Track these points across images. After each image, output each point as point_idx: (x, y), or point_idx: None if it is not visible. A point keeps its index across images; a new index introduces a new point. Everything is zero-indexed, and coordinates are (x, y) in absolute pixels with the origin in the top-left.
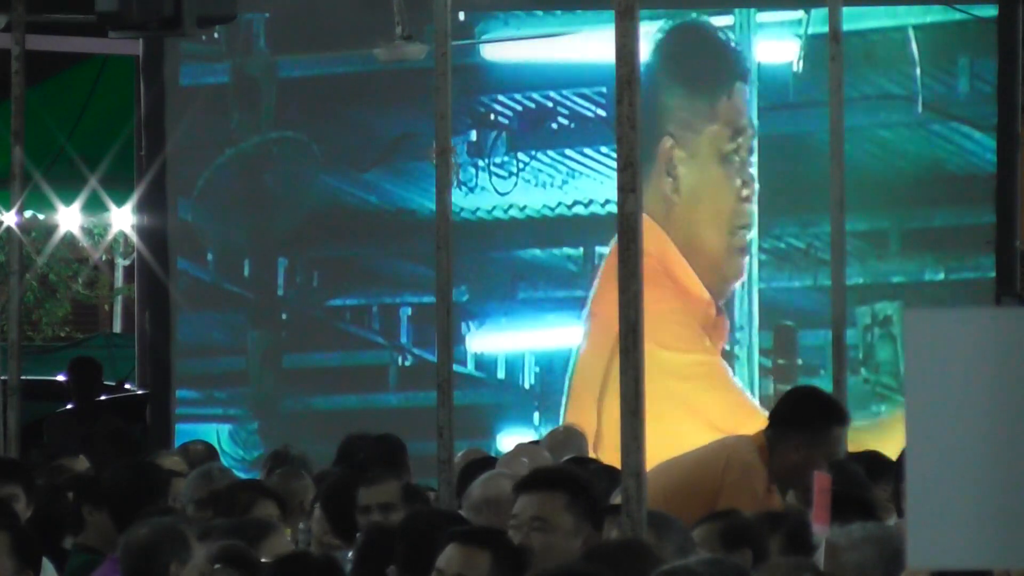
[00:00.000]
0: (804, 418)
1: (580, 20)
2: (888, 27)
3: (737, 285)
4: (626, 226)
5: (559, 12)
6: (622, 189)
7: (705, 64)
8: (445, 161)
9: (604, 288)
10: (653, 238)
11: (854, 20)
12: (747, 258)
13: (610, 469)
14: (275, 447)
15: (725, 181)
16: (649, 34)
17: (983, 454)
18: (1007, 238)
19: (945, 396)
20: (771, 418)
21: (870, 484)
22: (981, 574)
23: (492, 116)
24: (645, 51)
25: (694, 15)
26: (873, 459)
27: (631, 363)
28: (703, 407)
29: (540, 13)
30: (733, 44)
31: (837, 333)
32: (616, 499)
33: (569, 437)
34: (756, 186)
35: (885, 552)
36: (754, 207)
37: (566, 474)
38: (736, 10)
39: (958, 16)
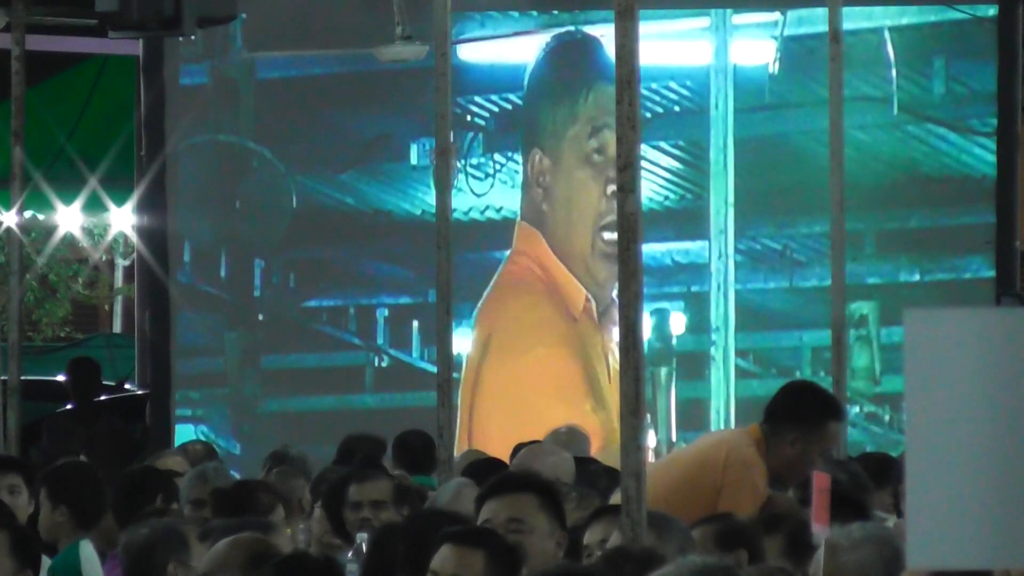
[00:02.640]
0: (800, 412)
1: (560, 22)
2: (863, 29)
3: (613, 293)
4: (626, 226)
5: (535, 13)
6: (621, 189)
7: (569, 69)
8: (445, 161)
9: (491, 295)
10: (530, 241)
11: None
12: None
13: (610, 470)
14: (250, 448)
15: (590, 182)
16: (534, 51)
17: (983, 454)
18: (1007, 238)
19: (945, 396)
20: (767, 412)
21: (871, 484)
22: (982, 574)
23: (468, 117)
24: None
25: (575, 27)
26: (881, 462)
27: (631, 363)
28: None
29: (516, 15)
30: (602, 46)
31: (837, 333)
32: (615, 499)
33: (572, 438)
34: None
35: (885, 552)
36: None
37: (533, 476)
38: (712, 12)
39: (933, 18)
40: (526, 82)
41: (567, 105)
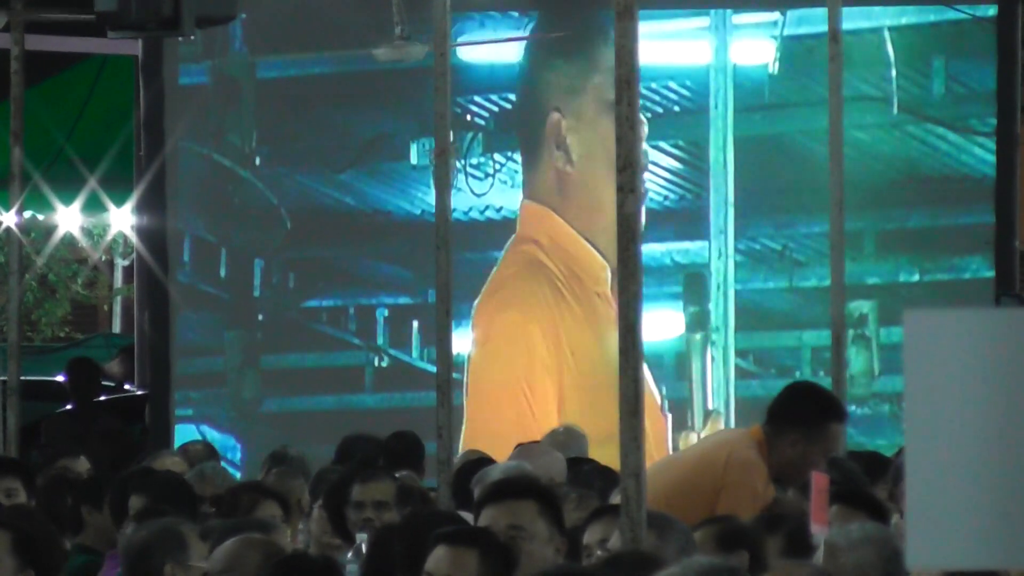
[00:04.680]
0: (802, 414)
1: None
2: (863, 29)
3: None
4: (626, 226)
5: (535, 13)
6: (621, 189)
7: (576, 21)
8: (444, 161)
9: (489, 288)
10: (538, 222)
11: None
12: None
13: (606, 469)
14: (250, 448)
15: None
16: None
17: (983, 454)
18: (1006, 238)
19: (945, 396)
20: (769, 413)
21: (868, 482)
22: (986, 575)
23: (468, 117)
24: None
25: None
26: (872, 459)
27: (630, 363)
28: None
29: (516, 14)
30: None
31: (837, 333)
32: (615, 499)
33: (570, 438)
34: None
35: (884, 552)
36: (646, 146)
37: (531, 482)
38: (712, 11)
39: (933, 18)
40: (523, 51)
41: (584, 55)
